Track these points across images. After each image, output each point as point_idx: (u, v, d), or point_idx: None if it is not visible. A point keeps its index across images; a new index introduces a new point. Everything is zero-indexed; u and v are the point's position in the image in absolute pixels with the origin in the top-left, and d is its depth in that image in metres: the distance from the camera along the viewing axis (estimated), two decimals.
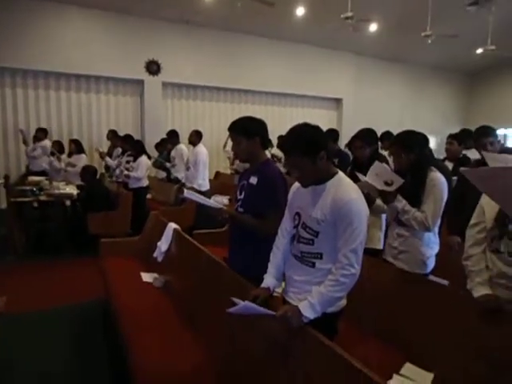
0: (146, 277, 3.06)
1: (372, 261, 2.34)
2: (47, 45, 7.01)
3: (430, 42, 8.38)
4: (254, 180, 2.06)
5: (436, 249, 2.28)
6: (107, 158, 6.30)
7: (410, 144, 2.20)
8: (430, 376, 1.78)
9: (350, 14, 6.61)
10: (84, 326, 3.09)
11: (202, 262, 2.53)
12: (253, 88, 9.10)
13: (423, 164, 2.20)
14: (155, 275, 3.03)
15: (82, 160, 5.88)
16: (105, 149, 6.79)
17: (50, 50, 7.04)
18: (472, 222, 1.88)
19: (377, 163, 2.22)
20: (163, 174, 6.49)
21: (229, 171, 7.53)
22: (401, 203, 2.15)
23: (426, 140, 2.76)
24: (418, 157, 2.18)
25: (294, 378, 1.53)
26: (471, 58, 10.30)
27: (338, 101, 10.46)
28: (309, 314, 1.49)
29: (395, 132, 3.18)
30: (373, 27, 8.30)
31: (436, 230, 2.24)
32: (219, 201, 2.23)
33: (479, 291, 1.73)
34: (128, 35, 7.63)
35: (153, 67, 7.95)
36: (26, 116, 7.30)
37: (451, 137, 4.13)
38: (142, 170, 5.37)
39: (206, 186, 5.34)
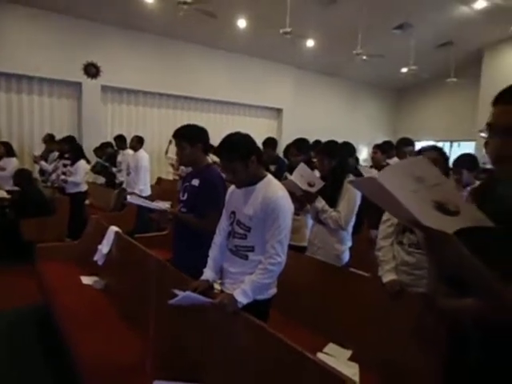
0: (86, 280, 3.07)
1: (298, 256, 2.61)
2: None
3: (363, 58, 9.16)
4: (196, 182, 2.23)
5: (349, 244, 2.61)
6: (42, 162, 6.05)
7: (331, 152, 2.50)
8: (349, 353, 2.05)
9: (288, 29, 7.03)
10: (20, 330, 3.01)
11: (144, 262, 2.61)
12: (194, 95, 9.20)
13: (342, 170, 2.51)
14: (95, 278, 3.05)
15: (12, 163, 5.58)
16: (38, 152, 6.49)
17: None
18: (384, 218, 2.21)
19: (301, 165, 2.50)
20: (102, 179, 6.37)
21: (171, 177, 7.55)
22: (320, 203, 2.44)
23: (352, 150, 3.09)
24: (337, 164, 2.49)
25: (232, 359, 1.71)
26: (398, 76, 11.32)
27: (279, 111, 10.91)
28: (242, 299, 1.68)
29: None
30: (310, 43, 8.86)
31: (349, 228, 2.55)
32: (161, 206, 2.35)
33: (387, 277, 2.04)
34: (65, 36, 7.38)
35: (91, 70, 7.76)
36: None
37: (375, 147, 4.61)
38: (81, 174, 5.25)
39: (147, 192, 5.34)
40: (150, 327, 2.26)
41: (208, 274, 1.92)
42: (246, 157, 1.78)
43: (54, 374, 2.46)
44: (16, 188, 4.82)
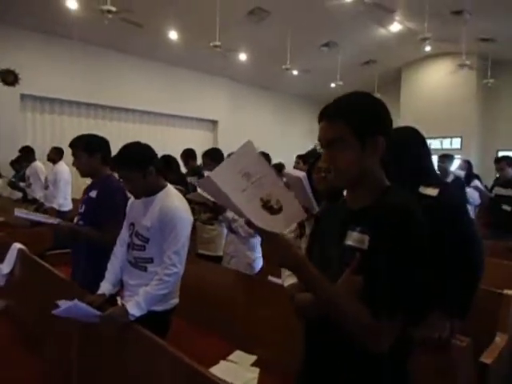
0: None
1: (210, 266, 2.61)
2: None
3: (293, 73, 9.55)
4: (93, 194, 2.15)
5: (260, 252, 2.65)
6: None
7: None
8: (253, 358, 2.07)
9: (218, 43, 7.14)
10: None
11: (46, 281, 2.46)
12: (121, 105, 8.92)
13: None
14: None
15: None
16: None
17: None
18: None
19: (206, 174, 2.51)
20: (19, 195, 5.92)
21: None
22: (231, 213, 2.47)
23: (268, 159, 3.16)
24: None
25: (125, 370, 1.65)
26: (328, 90, 11.94)
27: (214, 122, 10.96)
28: (135, 311, 1.63)
29: (269, 153, 3.62)
30: (242, 56, 9.04)
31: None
32: (51, 219, 2.22)
33: (288, 281, 2.09)
34: None
35: (9, 77, 7.24)
36: None
37: (298, 157, 4.79)
38: None
39: (67, 206, 5.05)
40: (50, 350, 2.12)
41: (104, 287, 1.85)
42: (143, 167, 1.76)
43: None
44: None
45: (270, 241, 0.86)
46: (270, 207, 0.84)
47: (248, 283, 2.49)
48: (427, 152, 1.76)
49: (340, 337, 0.90)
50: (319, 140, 1.01)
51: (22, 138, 7.47)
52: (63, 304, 1.58)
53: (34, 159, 5.48)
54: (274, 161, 4.60)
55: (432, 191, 1.61)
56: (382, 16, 7.62)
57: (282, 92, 12.38)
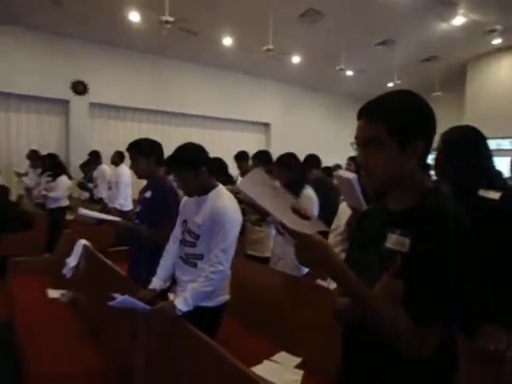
0: (53, 293, 3.08)
1: (258, 266, 2.64)
2: None
3: (347, 74, 9.36)
4: (148, 194, 2.29)
5: None
6: (24, 179, 6.11)
7: (287, 164, 2.56)
8: (297, 360, 2.06)
9: (270, 46, 7.22)
10: None
11: (106, 275, 2.64)
12: (182, 111, 9.34)
13: (298, 182, 2.56)
14: (62, 291, 3.06)
15: None
16: (24, 168, 6.56)
17: None
18: (332, 227, 2.25)
19: (256, 169, 2.54)
20: (86, 195, 6.42)
21: None
22: None
23: (316, 162, 3.14)
24: (293, 175, 2.54)
25: (173, 365, 1.73)
26: (384, 89, 11.46)
27: (266, 125, 11.05)
28: (182, 306, 1.71)
29: (322, 155, 3.61)
30: (295, 59, 9.03)
31: None
32: (111, 218, 2.38)
33: (333, 284, 2.06)
34: (53, 55, 7.54)
35: (79, 87, 7.90)
36: None
37: (350, 158, 4.68)
38: (61, 190, 5.30)
39: (128, 206, 5.38)
40: (107, 340, 2.28)
41: (155, 282, 1.95)
42: (195, 167, 1.84)
43: None
44: None
45: (303, 242, 0.84)
46: (300, 213, 0.85)
47: (295, 285, 2.48)
48: (486, 153, 1.65)
49: (378, 340, 0.88)
50: (356, 138, 0.99)
51: (90, 143, 8.10)
52: (117, 297, 1.70)
53: (100, 162, 5.95)
54: (327, 163, 4.54)
55: (494, 194, 1.51)
56: (444, 10, 7.21)
57: (336, 93, 12.17)
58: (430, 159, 1.05)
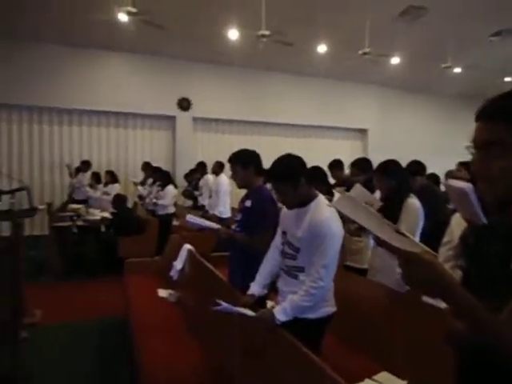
0: (162, 293, 3.37)
1: (357, 278, 2.52)
2: (94, 87, 7.93)
3: (454, 71, 8.56)
4: (248, 203, 2.36)
5: None
6: (139, 187, 6.84)
7: (389, 171, 2.41)
8: (402, 383, 1.91)
9: (367, 49, 6.98)
10: (107, 336, 3.42)
11: (208, 279, 2.79)
12: (276, 121, 9.56)
13: (401, 190, 2.39)
14: (170, 291, 3.33)
15: (115, 189, 6.44)
16: (139, 179, 7.37)
17: (96, 91, 7.95)
18: (444, 240, 2.05)
19: (357, 185, 2.44)
20: (189, 203, 6.93)
21: None
22: None
23: (419, 168, 2.93)
24: (396, 183, 2.38)
25: (271, 373, 1.74)
26: (500, 86, 10.25)
27: (363, 131, 10.66)
28: (280, 316, 1.71)
29: (428, 161, 3.38)
30: (394, 60, 8.57)
31: None
32: (213, 225, 2.50)
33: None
34: (161, 75, 8.41)
35: (184, 104, 8.62)
36: (70, 150, 8.12)
37: (460, 164, 4.25)
38: (169, 198, 5.80)
39: (226, 213, 5.66)
40: (210, 340, 2.40)
41: (254, 288, 1.97)
42: (294, 180, 1.80)
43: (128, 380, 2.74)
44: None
45: (411, 261, 0.75)
46: (401, 232, 0.78)
47: (399, 301, 2.31)
48: None
49: (503, 370, 0.76)
50: (473, 141, 0.88)
51: (193, 154, 8.76)
52: (222, 303, 1.77)
53: (206, 172, 6.40)
54: (431, 170, 4.17)
55: None
56: None
57: (441, 93, 11.21)
58: None
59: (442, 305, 1.91)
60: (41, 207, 5.00)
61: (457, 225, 1.96)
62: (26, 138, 7.87)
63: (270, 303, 2.33)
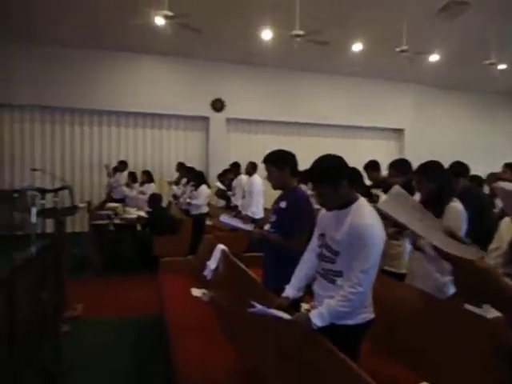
0: (196, 292, 3.41)
1: (395, 284, 2.43)
2: (130, 90, 8.19)
3: (500, 68, 8.14)
4: (283, 204, 2.34)
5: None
6: (173, 187, 6.98)
7: (430, 173, 2.31)
8: None
9: (404, 47, 6.77)
10: (143, 334, 3.50)
11: (241, 279, 2.80)
12: (310, 121, 9.48)
13: (442, 193, 2.28)
14: (204, 291, 3.36)
15: (151, 188, 6.59)
16: (173, 178, 7.53)
17: (132, 94, 8.21)
18: (492, 246, 1.94)
19: (395, 187, 2.35)
20: (222, 203, 6.99)
21: None
22: None
23: (462, 170, 2.80)
24: (438, 186, 2.28)
25: (304, 378, 1.71)
26: None
27: (399, 131, 10.36)
28: (317, 321, 1.67)
29: (468, 162, 3.24)
30: (433, 58, 8.26)
31: None
32: (247, 226, 2.49)
33: (493, 313, 1.77)
34: (195, 77, 8.55)
35: (217, 105, 8.72)
36: (108, 151, 8.42)
37: (506, 165, 4.05)
38: (202, 198, 5.87)
39: (259, 214, 5.65)
40: (243, 341, 2.40)
41: (288, 291, 1.94)
42: (335, 181, 1.74)
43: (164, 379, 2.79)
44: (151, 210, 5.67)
45: (466, 269, 0.71)
46: (455, 237, 0.74)
47: (440, 308, 2.21)
48: None
49: None
50: None
51: (226, 155, 8.83)
52: (257, 306, 1.75)
53: (239, 173, 6.44)
54: (473, 171, 3.98)
55: None
56: None
57: (484, 91, 10.71)
58: None
59: (489, 314, 1.81)
60: (81, 205, 5.21)
61: (507, 230, 1.86)
62: (68, 139, 8.24)
63: (304, 306, 2.30)
